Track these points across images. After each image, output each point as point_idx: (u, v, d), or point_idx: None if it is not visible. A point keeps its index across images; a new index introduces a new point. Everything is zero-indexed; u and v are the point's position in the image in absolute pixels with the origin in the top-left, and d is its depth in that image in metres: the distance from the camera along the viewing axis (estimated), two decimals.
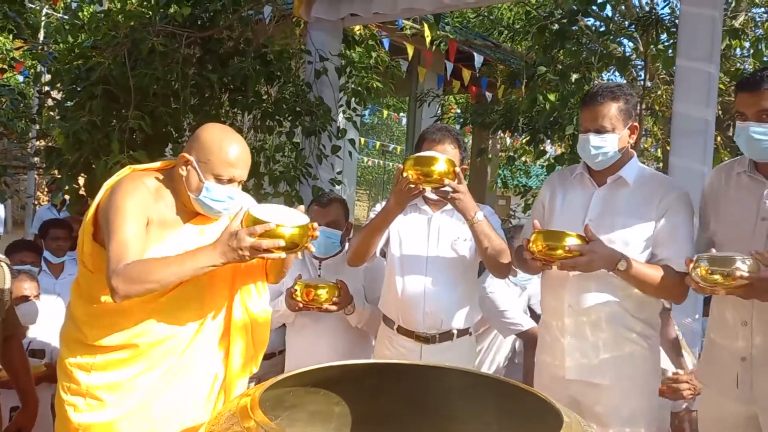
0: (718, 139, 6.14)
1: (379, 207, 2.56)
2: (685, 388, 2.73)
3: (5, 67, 7.15)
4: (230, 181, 1.88)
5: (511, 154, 7.22)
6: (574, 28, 5.50)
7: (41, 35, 6.90)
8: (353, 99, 5.35)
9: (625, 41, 6.44)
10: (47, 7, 7.91)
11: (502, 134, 9.69)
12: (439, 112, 8.91)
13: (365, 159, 18.60)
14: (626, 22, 6.02)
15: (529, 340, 3.17)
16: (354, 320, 2.74)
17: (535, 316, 3.39)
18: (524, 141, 6.55)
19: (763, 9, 6.91)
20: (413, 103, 9.24)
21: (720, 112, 5.28)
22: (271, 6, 4.85)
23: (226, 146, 1.87)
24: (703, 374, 2.23)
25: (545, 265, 2.15)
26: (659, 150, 7.93)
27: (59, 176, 4.32)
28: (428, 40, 5.92)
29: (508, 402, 1.72)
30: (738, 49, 6.84)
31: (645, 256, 2.22)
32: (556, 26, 5.45)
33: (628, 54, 6.39)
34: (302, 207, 1.90)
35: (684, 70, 3.84)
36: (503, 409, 1.71)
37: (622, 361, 2.24)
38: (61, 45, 5.29)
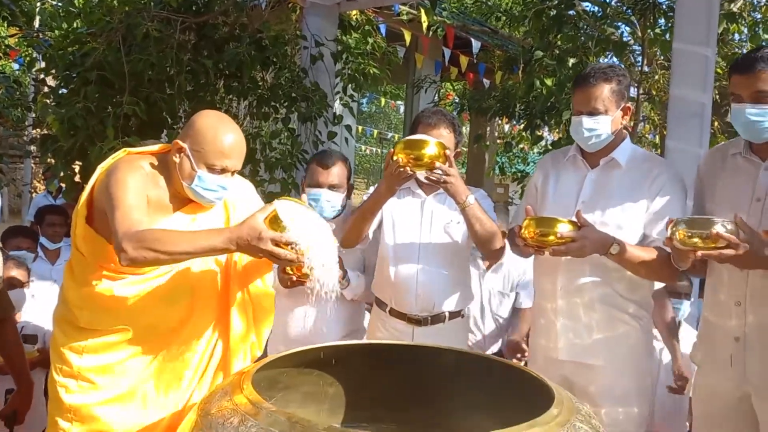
0: (715, 124, 6.13)
1: (372, 191, 2.54)
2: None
3: (0, 54, 7.11)
4: (223, 171, 1.86)
5: (509, 140, 7.19)
6: (571, 12, 5.49)
7: (36, 22, 6.85)
8: (350, 85, 5.33)
9: (623, 26, 6.41)
10: None
11: (499, 121, 9.68)
12: (436, 98, 8.88)
13: (363, 147, 18.59)
14: (623, 7, 5.99)
15: None
16: (348, 294, 2.72)
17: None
18: (521, 128, 6.54)
19: None
20: (411, 90, 9.22)
21: (717, 96, 5.27)
22: None
23: (221, 136, 1.85)
24: (697, 354, 2.24)
25: (538, 251, 2.15)
26: (657, 137, 7.93)
27: (54, 163, 4.31)
28: (425, 25, 5.89)
29: (501, 381, 1.72)
30: (736, 34, 6.81)
31: (637, 238, 2.23)
32: (553, 11, 5.43)
33: (625, 39, 6.37)
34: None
35: (681, 53, 3.83)
36: (496, 387, 1.72)
37: (615, 341, 2.25)
38: (56, 31, 5.25)
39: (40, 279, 3.55)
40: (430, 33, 6.70)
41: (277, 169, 4.54)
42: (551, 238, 2.05)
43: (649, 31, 5.66)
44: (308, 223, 1.75)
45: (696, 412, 2.23)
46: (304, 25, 4.92)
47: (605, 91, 2.20)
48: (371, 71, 5.58)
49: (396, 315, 2.56)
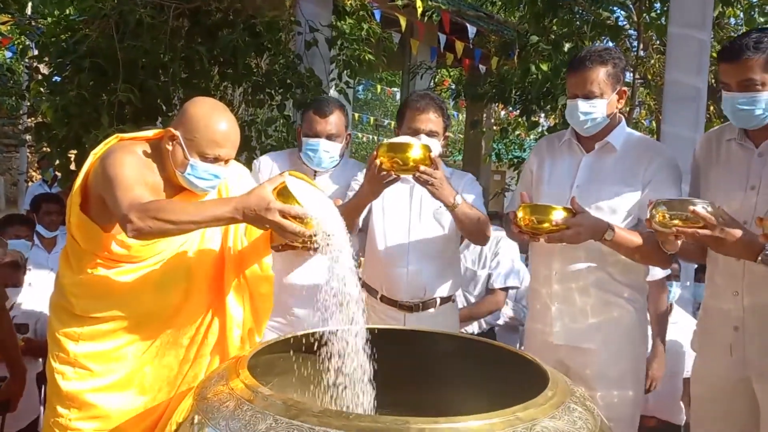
0: (711, 108, 6.13)
1: (360, 176, 2.48)
2: None
3: None
4: (216, 160, 1.84)
5: (505, 126, 7.19)
6: None
7: (28, 9, 6.79)
8: (345, 72, 5.31)
9: (618, 10, 6.39)
10: None
11: (495, 107, 9.66)
12: (432, 84, 8.86)
13: (359, 135, 18.55)
14: None
15: None
16: None
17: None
18: (518, 114, 6.54)
19: None
20: (406, 77, 9.18)
21: (712, 80, 5.26)
22: None
23: (213, 124, 1.82)
24: (697, 340, 2.25)
25: (533, 238, 2.15)
26: (653, 122, 7.92)
27: (49, 151, 4.29)
28: (420, 11, 5.86)
29: (496, 364, 1.74)
30: (732, 18, 6.80)
31: (632, 222, 2.23)
32: None
33: (621, 23, 6.35)
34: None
35: (676, 37, 3.83)
36: (491, 371, 1.73)
37: (610, 325, 2.26)
38: (48, 19, 5.20)
39: (36, 267, 3.55)
40: (426, 18, 6.68)
41: None
42: (546, 225, 2.05)
43: (644, 15, 5.65)
44: (316, 199, 1.73)
45: (695, 392, 2.23)
46: (298, 10, 4.88)
47: (601, 74, 2.19)
48: (366, 57, 5.55)
49: (387, 302, 2.55)
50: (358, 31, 5.70)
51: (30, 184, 9.68)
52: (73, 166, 4.29)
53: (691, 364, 2.30)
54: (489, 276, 3.40)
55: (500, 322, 3.66)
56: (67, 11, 5.02)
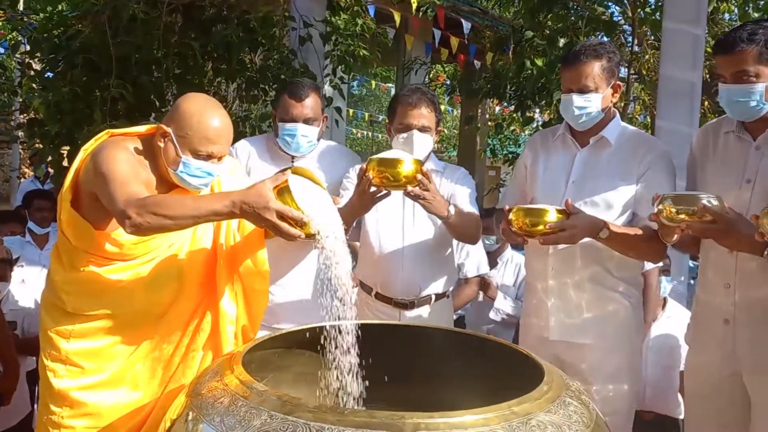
0: (706, 103, 6.14)
1: (353, 174, 2.46)
2: None
3: None
4: (209, 157, 1.82)
5: (500, 122, 7.18)
6: None
7: (20, 5, 6.74)
8: (339, 67, 5.29)
9: (613, 5, 6.39)
10: None
11: (490, 103, 9.66)
12: (426, 80, 8.84)
13: (354, 130, 18.52)
14: None
15: None
16: None
17: None
18: (512, 109, 6.54)
19: None
20: (401, 72, 9.16)
21: (707, 75, 5.27)
22: None
23: (206, 121, 1.80)
24: (689, 334, 2.26)
25: (526, 241, 2.15)
26: (648, 117, 7.93)
27: (42, 148, 4.27)
28: (414, 6, 5.84)
29: (492, 359, 1.73)
30: (726, 13, 6.81)
31: (628, 217, 2.23)
32: None
33: (615, 18, 6.35)
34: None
35: (671, 32, 3.83)
36: (487, 365, 1.73)
37: (606, 320, 2.26)
38: (41, 14, 5.18)
39: (29, 264, 3.53)
40: (420, 14, 6.65)
41: None
42: (540, 227, 2.04)
43: (639, 10, 5.65)
44: (317, 203, 1.70)
45: (688, 389, 2.25)
46: (292, 5, 4.87)
47: (595, 68, 2.18)
48: (361, 53, 5.54)
49: (382, 299, 2.53)
50: (352, 27, 5.69)
51: (22, 180, 9.63)
52: (65, 163, 4.27)
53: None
54: (460, 267, 3.39)
55: (497, 318, 3.66)
56: (60, 7, 4.99)
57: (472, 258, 3.43)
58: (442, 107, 2.89)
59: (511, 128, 7.89)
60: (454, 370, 1.82)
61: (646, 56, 6.52)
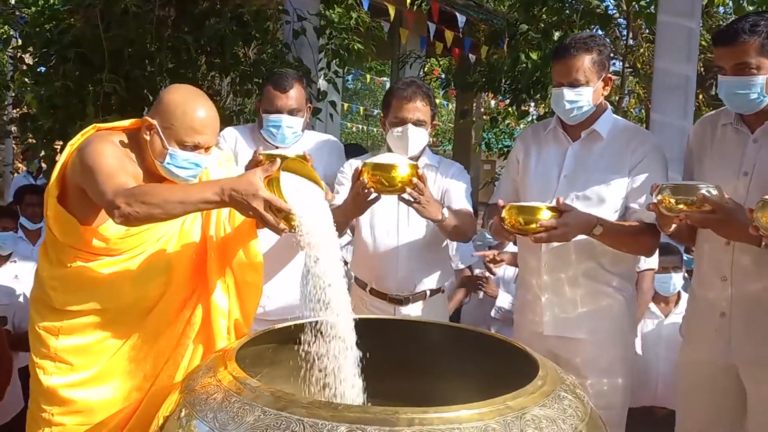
0: (700, 97, 6.15)
1: (347, 170, 2.46)
2: None
3: None
4: (196, 147, 1.80)
5: (495, 115, 7.18)
6: None
7: None
8: (334, 61, 5.27)
9: None
10: None
11: (485, 96, 9.66)
12: (421, 74, 8.84)
13: (349, 124, 18.51)
14: None
15: None
16: None
17: None
18: (507, 103, 6.54)
19: None
20: (396, 66, 9.15)
21: (702, 69, 5.27)
22: None
23: (190, 111, 1.78)
24: (684, 326, 2.26)
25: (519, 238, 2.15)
26: (642, 111, 7.94)
27: (35, 143, 4.24)
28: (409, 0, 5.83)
29: (487, 353, 1.73)
30: (721, 7, 6.80)
31: (621, 211, 2.23)
32: None
33: (610, 11, 6.35)
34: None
35: (665, 25, 3.83)
36: (482, 360, 1.73)
37: (599, 314, 2.25)
38: (32, 8, 5.14)
39: (21, 260, 3.52)
40: (415, 7, 6.64)
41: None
42: (533, 226, 2.03)
43: (633, 3, 5.65)
44: (306, 198, 1.68)
45: (682, 384, 2.24)
46: None
47: (586, 61, 2.16)
48: (355, 47, 5.52)
49: (377, 295, 2.53)
50: (346, 20, 5.66)
51: (15, 175, 9.58)
52: (58, 158, 4.25)
53: None
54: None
55: (499, 317, 3.65)
56: (51, 0, 4.95)
57: (459, 251, 3.42)
58: (437, 101, 2.87)
59: (506, 122, 7.87)
60: (449, 364, 1.82)
61: (641, 49, 6.52)
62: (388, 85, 12.60)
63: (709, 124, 2.16)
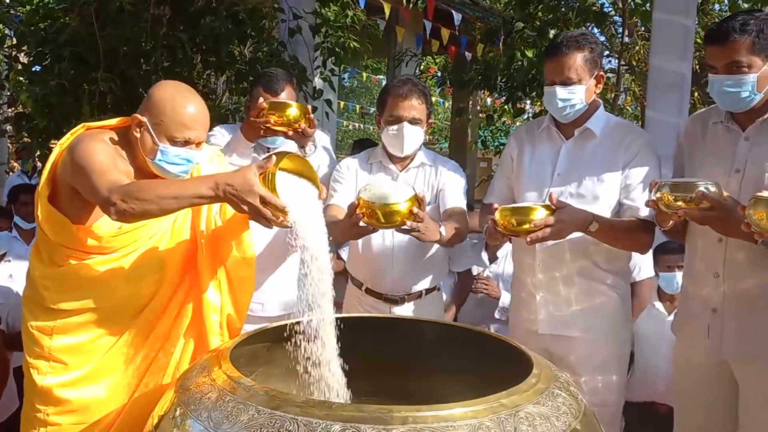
0: (696, 94, 6.16)
1: (345, 169, 2.49)
2: None
3: None
4: (186, 143, 1.80)
5: (491, 113, 7.18)
6: None
7: None
8: (330, 59, 5.27)
9: None
10: None
11: (481, 94, 9.66)
12: (417, 72, 8.83)
13: (345, 123, 18.47)
14: None
15: None
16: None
17: None
18: (503, 101, 6.54)
19: None
20: (392, 64, 9.14)
21: (697, 67, 5.28)
22: None
23: (180, 106, 1.78)
24: (676, 323, 2.27)
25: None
26: (638, 108, 7.95)
27: (30, 142, 4.23)
28: None
29: (481, 351, 1.74)
30: (716, 4, 6.82)
31: (615, 208, 2.23)
32: None
33: (606, 9, 6.35)
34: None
35: (661, 23, 3.83)
36: (476, 357, 1.73)
37: (594, 312, 2.26)
38: (27, 7, 5.12)
39: (16, 259, 3.51)
40: (410, 5, 6.64)
41: None
42: (527, 226, 2.02)
43: (629, 1, 5.64)
44: (301, 198, 1.69)
45: (676, 381, 2.25)
46: None
47: (578, 59, 2.16)
48: (351, 45, 5.52)
49: (372, 294, 2.52)
50: (342, 18, 5.66)
51: (10, 174, 9.55)
52: None
53: None
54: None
55: (504, 318, 3.64)
56: None
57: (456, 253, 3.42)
58: (433, 99, 2.87)
59: (502, 120, 7.88)
60: (444, 362, 1.82)
61: (637, 47, 6.53)
62: (384, 83, 12.61)
63: (700, 122, 2.17)
